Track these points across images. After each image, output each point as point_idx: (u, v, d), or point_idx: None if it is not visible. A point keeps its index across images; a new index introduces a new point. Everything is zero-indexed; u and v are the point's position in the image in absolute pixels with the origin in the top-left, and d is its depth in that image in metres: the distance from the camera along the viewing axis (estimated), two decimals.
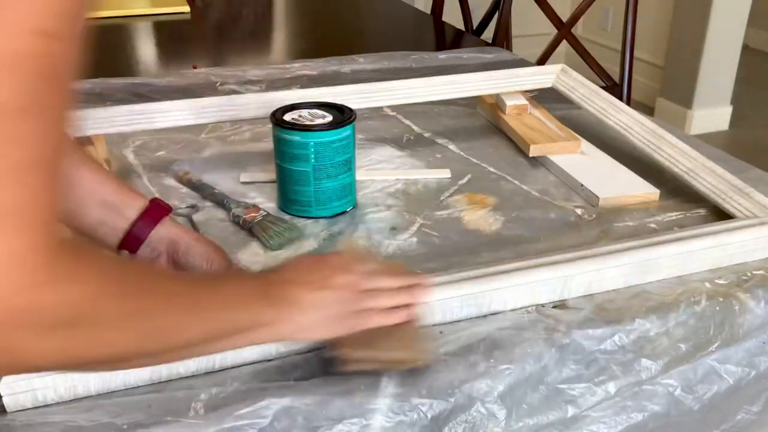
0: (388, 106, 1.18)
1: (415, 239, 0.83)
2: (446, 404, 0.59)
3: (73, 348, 0.42)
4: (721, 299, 0.71)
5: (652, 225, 0.86)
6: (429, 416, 0.58)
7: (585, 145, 1.03)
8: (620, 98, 1.49)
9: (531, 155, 1.01)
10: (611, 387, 0.64)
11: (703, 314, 0.69)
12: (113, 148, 1.03)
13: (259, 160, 0.99)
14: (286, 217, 0.87)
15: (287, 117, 0.85)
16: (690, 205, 0.89)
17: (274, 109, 0.87)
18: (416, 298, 0.63)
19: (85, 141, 0.97)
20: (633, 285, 0.72)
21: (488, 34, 1.87)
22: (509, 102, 1.11)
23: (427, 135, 1.11)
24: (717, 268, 0.75)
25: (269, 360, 0.62)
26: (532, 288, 0.69)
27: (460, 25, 1.95)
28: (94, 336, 0.43)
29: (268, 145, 0.89)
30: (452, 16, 2.01)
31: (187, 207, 0.89)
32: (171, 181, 0.95)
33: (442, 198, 0.92)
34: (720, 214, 0.86)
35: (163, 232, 0.69)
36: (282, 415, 0.55)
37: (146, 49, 1.67)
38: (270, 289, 0.57)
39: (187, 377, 0.60)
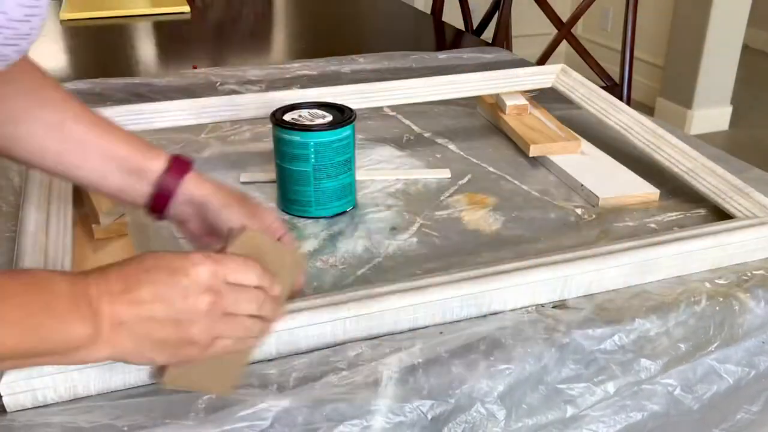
0: (388, 106, 1.18)
1: (415, 239, 0.83)
2: (446, 405, 0.59)
3: None
4: (721, 299, 0.71)
5: (652, 225, 0.86)
6: (429, 417, 0.58)
7: (585, 145, 1.03)
8: (620, 98, 1.49)
9: (531, 155, 1.01)
10: (610, 387, 0.64)
11: (703, 314, 0.69)
12: None
13: (259, 160, 0.99)
14: (286, 217, 0.87)
15: (287, 117, 0.85)
16: (690, 205, 0.89)
17: (274, 109, 0.87)
18: (267, 331, 0.57)
19: None
20: (633, 285, 0.72)
21: (488, 34, 1.87)
22: (509, 102, 1.11)
23: (427, 135, 1.11)
24: (717, 268, 0.75)
25: (269, 360, 0.62)
26: (532, 288, 0.69)
27: (460, 25, 1.95)
28: None
29: (268, 145, 0.89)
30: (452, 16, 2.02)
31: None
32: None
33: (442, 198, 0.92)
34: (720, 214, 0.86)
35: (188, 193, 0.65)
36: (282, 417, 0.55)
37: (146, 49, 1.66)
38: (89, 304, 0.48)
39: None
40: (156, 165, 0.65)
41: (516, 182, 0.97)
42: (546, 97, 1.18)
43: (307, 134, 0.83)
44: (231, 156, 1.02)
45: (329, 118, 0.86)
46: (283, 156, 0.85)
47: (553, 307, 0.69)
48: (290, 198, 0.87)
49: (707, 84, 3.01)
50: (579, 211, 0.89)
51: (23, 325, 0.46)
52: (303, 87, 1.24)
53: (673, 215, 0.88)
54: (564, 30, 1.77)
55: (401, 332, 0.65)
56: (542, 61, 1.76)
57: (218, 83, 1.29)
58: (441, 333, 0.65)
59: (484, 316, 0.68)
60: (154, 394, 0.57)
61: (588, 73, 1.49)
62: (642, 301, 0.70)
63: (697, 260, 0.75)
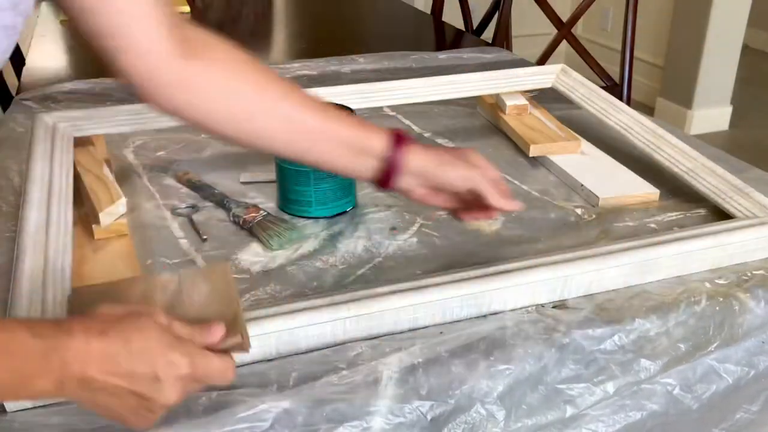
0: (388, 106, 1.19)
1: (415, 239, 0.83)
2: (446, 405, 0.59)
3: None
4: (721, 299, 0.71)
5: (652, 225, 0.86)
6: (429, 418, 0.58)
7: (585, 145, 1.03)
8: (620, 98, 1.49)
9: (531, 155, 1.01)
10: (610, 387, 0.64)
11: (703, 314, 0.69)
12: (113, 148, 1.03)
13: (259, 160, 0.99)
14: (286, 217, 0.87)
15: None
16: (690, 205, 0.89)
17: None
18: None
19: (85, 141, 0.97)
20: (633, 285, 0.72)
21: (488, 34, 1.87)
22: (509, 102, 1.11)
23: (427, 135, 1.11)
24: (717, 268, 0.75)
25: (269, 360, 0.62)
26: (532, 288, 0.69)
27: (460, 25, 1.95)
28: None
29: None
30: (452, 16, 2.02)
31: (187, 207, 0.89)
32: (171, 181, 0.95)
33: None
34: (720, 214, 0.86)
35: (408, 165, 0.70)
36: (282, 418, 0.55)
37: None
38: (59, 368, 0.47)
39: None
40: (377, 143, 0.70)
41: (516, 182, 0.97)
42: (546, 97, 1.18)
43: None
44: (231, 156, 1.02)
45: None
46: None
47: (553, 307, 0.69)
48: (290, 198, 0.87)
49: (707, 84, 3.00)
50: (579, 211, 0.89)
51: None
52: (303, 87, 1.23)
53: (673, 215, 0.88)
54: (564, 30, 1.77)
55: (401, 332, 0.65)
56: (542, 61, 1.76)
57: None
58: (441, 333, 0.65)
59: (484, 316, 0.68)
60: None
61: (588, 73, 1.49)
62: (642, 301, 0.70)
63: (697, 260, 0.75)
